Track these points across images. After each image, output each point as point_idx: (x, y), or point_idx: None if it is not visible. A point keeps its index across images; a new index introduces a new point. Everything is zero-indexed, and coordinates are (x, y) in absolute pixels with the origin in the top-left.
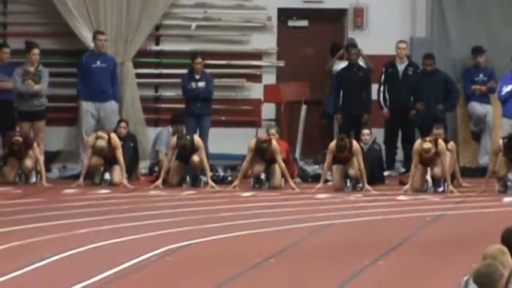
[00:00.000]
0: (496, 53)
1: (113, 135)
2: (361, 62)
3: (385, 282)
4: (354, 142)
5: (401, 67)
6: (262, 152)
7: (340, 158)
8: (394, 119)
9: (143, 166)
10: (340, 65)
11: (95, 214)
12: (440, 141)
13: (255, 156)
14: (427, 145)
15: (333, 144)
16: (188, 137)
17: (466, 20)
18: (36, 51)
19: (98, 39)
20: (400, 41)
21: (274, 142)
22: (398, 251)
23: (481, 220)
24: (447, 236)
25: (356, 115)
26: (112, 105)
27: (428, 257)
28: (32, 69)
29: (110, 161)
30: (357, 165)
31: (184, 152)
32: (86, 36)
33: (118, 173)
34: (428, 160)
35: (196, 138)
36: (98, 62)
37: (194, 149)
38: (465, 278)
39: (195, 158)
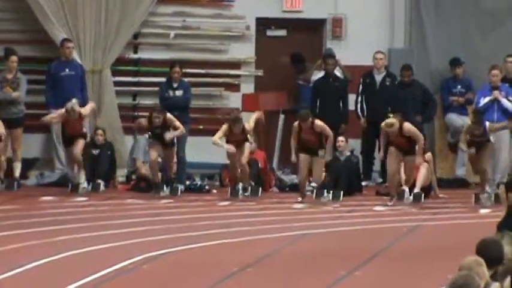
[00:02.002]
0: (474, 65)
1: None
2: (338, 73)
3: None
4: (317, 121)
5: (378, 77)
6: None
7: (306, 141)
8: (371, 129)
9: (121, 174)
10: (318, 75)
11: (72, 222)
12: (406, 124)
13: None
14: (390, 120)
15: (295, 124)
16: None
17: (445, 31)
18: (14, 58)
19: (66, 46)
20: (378, 52)
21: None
22: (375, 261)
23: (457, 231)
24: (423, 247)
25: (333, 125)
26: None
27: (404, 267)
28: (10, 76)
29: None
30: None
31: (156, 129)
32: (68, 49)
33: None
34: (400, 144)
35: (168, 115)
36: (67, 70)
37: (166, 126)
38: None
39: (168, 135)
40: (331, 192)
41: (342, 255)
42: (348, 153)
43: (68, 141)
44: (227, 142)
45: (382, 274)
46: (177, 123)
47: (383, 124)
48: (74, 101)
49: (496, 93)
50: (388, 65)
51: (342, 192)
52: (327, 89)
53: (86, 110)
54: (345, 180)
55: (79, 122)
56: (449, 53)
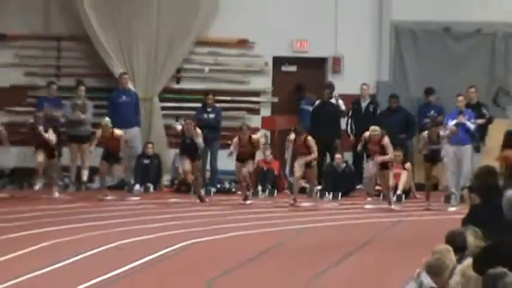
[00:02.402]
0: (445, 93)
1: (117, 131)
2: (333, 100)
3: (351, 276)
4: (310, 138)
5: (364, 104)
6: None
7: (298, 148)
8: (358, 144)
9: (166, 179)
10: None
11: (127, 216)
12: (386, 137)
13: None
14: (376, 127)
15: (291, 136)
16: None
17: (421, 67)
18: (82, 88)
19: (123, 78)
20: (364, 84)
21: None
22: (366, 248)
23: (431, 225)
24: (404, 237)
25: (329, 141)
26: (135, 130)
27: (389, 253)
28: (79, 102)
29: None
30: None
31: (186, 139)
32: (125, 79)
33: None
34: (375, 151)
35: (116, 131)
36: (124, 97)
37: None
38: (418, 270)
39: (199, 140)
40: (331, 193)
41: (338, 244)
42: (344, 165)
43: (108, 156)
44: (238, 153)
45: (371, 259)
46: (199, 135)
47: (370, 129)
48: (107, 119)
49: (460, 117)
50: (376, 94)
51: (340, 194)
52: (324, 113)
53: (119, 131)
54: (344, 185)
55: (117, 143)
56: (424, 83)
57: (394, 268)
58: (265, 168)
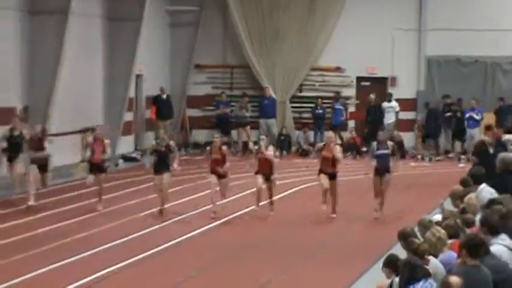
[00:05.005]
0: (456, 98)
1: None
2: (393, 103)
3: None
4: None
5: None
6: None
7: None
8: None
9: (293, 150)
10: (385, 104)
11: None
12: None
13: None
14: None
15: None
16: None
17: (442, 82)
18: (246, 99)
19: (266, 89)
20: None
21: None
22: (410, 189)
23: (449, 175)
24: (432, 182)
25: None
26: (273, 121)
27: (423, 192)
28: (244, 104)
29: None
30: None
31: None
32: (268, 89)
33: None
34: None
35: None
36: (266, 101)
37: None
38: (442, 200)
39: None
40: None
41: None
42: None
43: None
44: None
45: (414, 193)
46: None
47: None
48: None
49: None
50: (417, 99)
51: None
52: (383, 110)
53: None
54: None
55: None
56: (444, 91)
57: (427, 199)
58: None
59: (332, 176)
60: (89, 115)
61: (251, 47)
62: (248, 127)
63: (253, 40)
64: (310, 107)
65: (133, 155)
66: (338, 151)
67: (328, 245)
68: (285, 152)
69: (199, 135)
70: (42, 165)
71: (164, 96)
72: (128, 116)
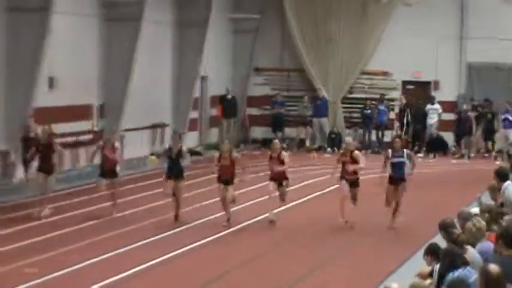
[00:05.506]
0: (496, 101)
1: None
2: (435, 106)
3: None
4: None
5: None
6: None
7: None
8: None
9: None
10: (428, 106)
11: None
12: None
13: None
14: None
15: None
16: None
17: (481, 86)
18: (306, 98)
19: (319, 90)
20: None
21: None
22: (448, 184)
23: (483, 171)
24: (468, 178)
25: (419, 131)
26: (325, 119)
27: (460, 187)
28: (306, 104)
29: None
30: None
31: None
32: (320, 90)
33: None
34: None
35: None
36: (319, 102)
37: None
38: (478, 194)
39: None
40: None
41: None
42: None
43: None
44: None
45: (450, 188)
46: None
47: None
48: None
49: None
50: (457, 102)
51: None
52: (426, 112)
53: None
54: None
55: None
56: (483, 95)
57: (464, 193)
58: None
59: (353, 183)
60: (158, 113)
61: (306, 51)
62: (308, 126)
63: (307, 45)
64: (359, 108)
65: (198, 149)
66: (360, 157)
67: (371, 234)
68: (335, 149)
69: (257, 132)
70: (48, 170)
71: (229, 96)
72: (194, 114)
